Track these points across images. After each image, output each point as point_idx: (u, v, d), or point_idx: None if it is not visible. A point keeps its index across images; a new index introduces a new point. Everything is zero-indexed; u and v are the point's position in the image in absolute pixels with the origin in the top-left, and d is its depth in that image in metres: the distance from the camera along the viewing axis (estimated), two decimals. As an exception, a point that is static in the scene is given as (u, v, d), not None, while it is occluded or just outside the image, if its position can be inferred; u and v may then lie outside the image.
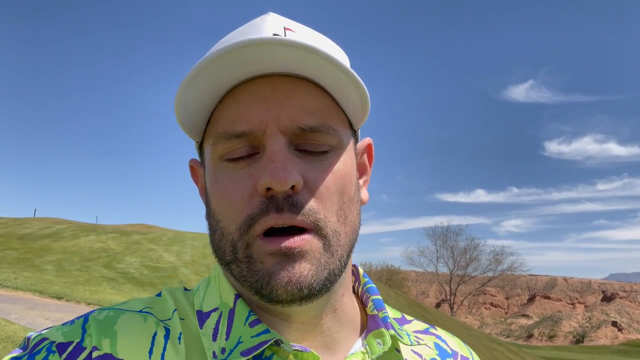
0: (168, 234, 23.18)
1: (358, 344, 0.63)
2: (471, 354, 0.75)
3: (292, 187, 0.53)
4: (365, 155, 0.68)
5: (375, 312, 0.65)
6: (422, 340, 0.70)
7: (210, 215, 0.60)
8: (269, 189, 0.53)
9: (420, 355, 0.67)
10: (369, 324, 0.64)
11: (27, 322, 7.81)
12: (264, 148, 0.55)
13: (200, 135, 0.61)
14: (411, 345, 0.66)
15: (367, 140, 0.69)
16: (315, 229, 0.55)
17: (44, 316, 8.57)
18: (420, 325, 0.74)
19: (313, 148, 0.56)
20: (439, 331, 0.75)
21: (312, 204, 0.54)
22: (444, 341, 0.73)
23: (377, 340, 0.61)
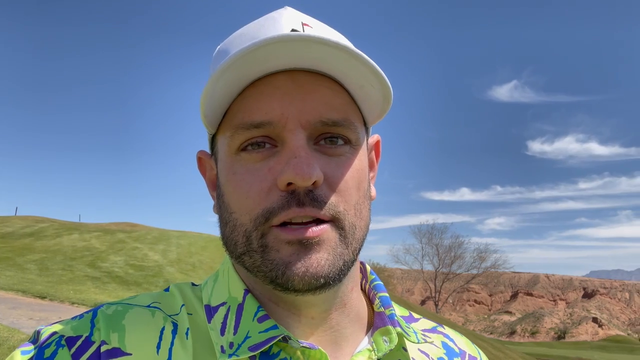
0: (153, 232, 22.88)
1: (365, 342, 0.63)
2: (479, 354, 0.74)
3: (314, 183, 0.53)
4: (373, 152, 0.69)
5: (382, 309, 0.65)
6: (430, 338, 0.70)
7: (222, 208, 0.60)
8: (289, 183, 0.53)
9: (427, 354, 0.67)
10: (376, 321, 0.64)
11: (10, 322, 7.68)
12: (284, 142, 0.55)
13: (216, 127, 0.61)
14: (418, 343, 0.66)
15: (376, 136, 0.69)
16: (333, 221, 0.55)
17: (28, 316, 8.44)
18: (427, 323, 0.74)
19: (332, 143, 0.57)
20: (447, 330, 0.75)
21: (332, 199, 0.55)
22: (451, 340, 0.72)
23: (384, 337, 0.61)
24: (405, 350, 0.63)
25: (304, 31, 0.58)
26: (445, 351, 0.70)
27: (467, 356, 0.72)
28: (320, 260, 0.54)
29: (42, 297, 10.64)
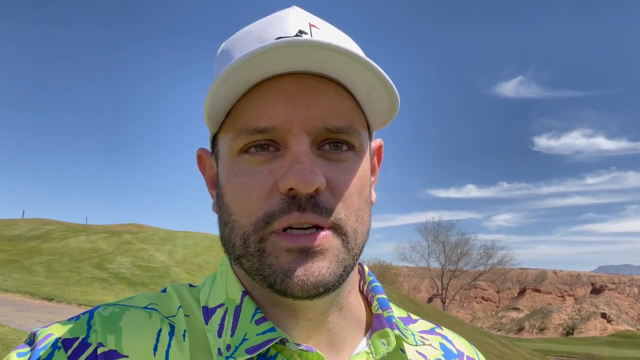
0: (159, 233, 23.01)
1: (363, 344, 0.62)
2: (477, 355, 0.74)
3: (316, 189, 0.53)
4: (375, 157, 0.68)
5: (380, 311, 0.64)
6: (427, 340, 0.69)
7: (221, 208, 0.59)
8: (291, 189, 0.53)
9: (425, 356, 0.66)
10: (374, 324, 0.63)
11: (18, 325, 7.74)
12: (287, 146, 0.54)
13: (218, 126, 0.60)
14: (416, 345, 0.65)
15: (378, 141, 0.68)
16: (335, 227, 0.55)
17: (35, 318, 8.50)
18: (426, 324, 0.74)
19: (335, 149, 0.56)
20: (445, 331, 0.74)
21: (334, 205, 0.54)
22: (449, 341, 0.72)
23: (382, 340, 0.61)
24: (403, 352, 0.62)
25: (311, 32, 0.57)
26: (443, 352, 0.69)
27: (465, 358, 0.71)
28: (321, 269, 0.53)
29: (50, 299, 10.72)
